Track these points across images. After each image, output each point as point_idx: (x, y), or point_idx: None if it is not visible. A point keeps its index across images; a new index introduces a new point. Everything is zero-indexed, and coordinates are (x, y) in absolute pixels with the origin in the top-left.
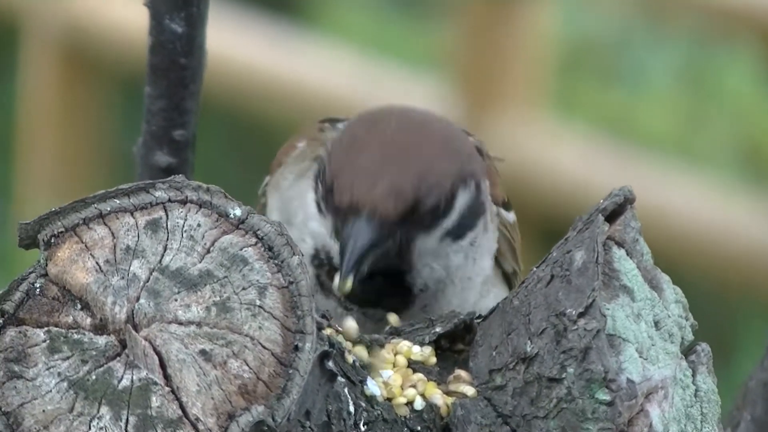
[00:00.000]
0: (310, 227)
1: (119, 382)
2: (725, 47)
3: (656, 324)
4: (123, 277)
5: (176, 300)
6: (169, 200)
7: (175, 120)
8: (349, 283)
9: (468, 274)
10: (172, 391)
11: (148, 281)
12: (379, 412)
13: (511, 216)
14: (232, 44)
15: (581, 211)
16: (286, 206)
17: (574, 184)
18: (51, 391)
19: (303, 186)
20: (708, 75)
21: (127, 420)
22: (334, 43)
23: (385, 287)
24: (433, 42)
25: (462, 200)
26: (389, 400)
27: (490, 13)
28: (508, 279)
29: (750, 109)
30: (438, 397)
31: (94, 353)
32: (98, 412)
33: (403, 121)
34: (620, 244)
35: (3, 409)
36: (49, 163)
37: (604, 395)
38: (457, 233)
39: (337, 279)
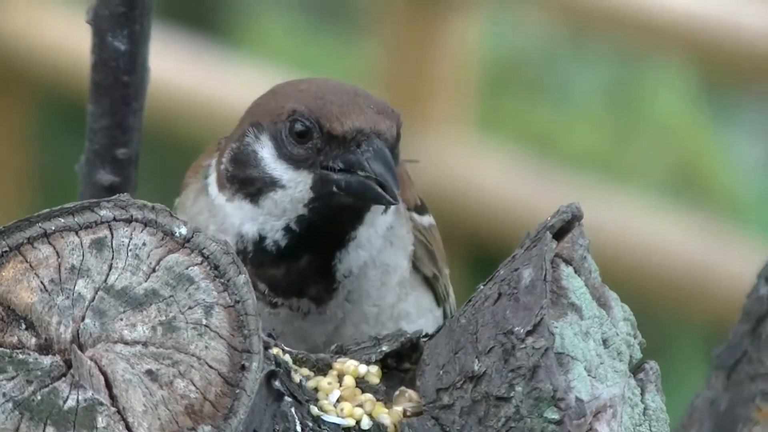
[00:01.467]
0: (228, 223)
1: (65, 402)
2: (652, 64)
3: (605, 342)
4: (68, 297)
5: (122, 319)
6: (114, 219)
7: (117, 138)
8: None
9: (387, 261)
10: (119, 412)
11: (93, 301)
12: (326, 431)
13: (425, 219)
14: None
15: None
16: (193, 223)
17: (499, 201)
18: None
19: (203, 201)
20: (635, 92)
21: None
22: (256, 60)
23: (309, 272)
24: (358, 59)
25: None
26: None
27: (415, 29)
28: (430, 284)
29: (678, 126)
30: (385, 417)
31: (39, 373)
32: None
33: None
34: (568, 262)
35: None
36: None
37: (552, 414)
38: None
39: (387, 197)
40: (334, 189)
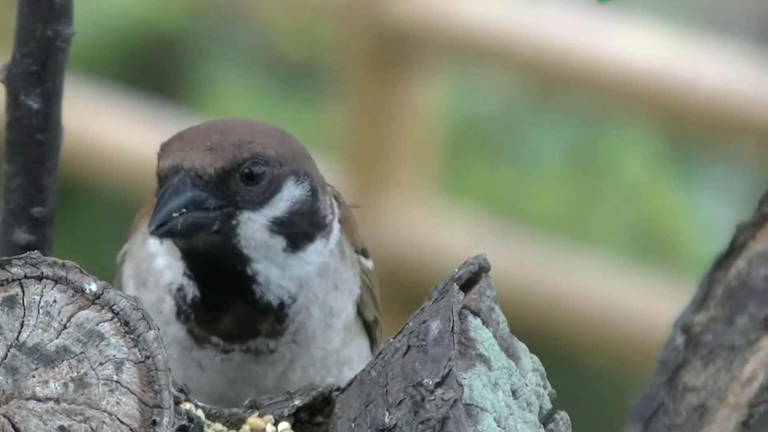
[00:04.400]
0: (163, 276)
1: None
2: (615, 125)
3: (514, 393)
4: None
5: (34, 376)
6: (26, 276)
7: (33, 197)
8: (157, 230)
9: (331, 303)
10: None
11: (5, 358)
12: None
13: (369, 264)
14: (119, 131)
15: None
16: (138, 269)
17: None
18: None
19: (148, 247)
20: (599, 153)
21: None
22: None
23: (231, 296)
24: (320, 124)
25: (292, 192)
26: None
27: (379, 93)
28: (369, 328)
29: (642, 187)
30: None
31: None
32: None
33: (231, 122)
34: (476, 313)
35: None
36: None
37: None
38: (291, 236)
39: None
40: None
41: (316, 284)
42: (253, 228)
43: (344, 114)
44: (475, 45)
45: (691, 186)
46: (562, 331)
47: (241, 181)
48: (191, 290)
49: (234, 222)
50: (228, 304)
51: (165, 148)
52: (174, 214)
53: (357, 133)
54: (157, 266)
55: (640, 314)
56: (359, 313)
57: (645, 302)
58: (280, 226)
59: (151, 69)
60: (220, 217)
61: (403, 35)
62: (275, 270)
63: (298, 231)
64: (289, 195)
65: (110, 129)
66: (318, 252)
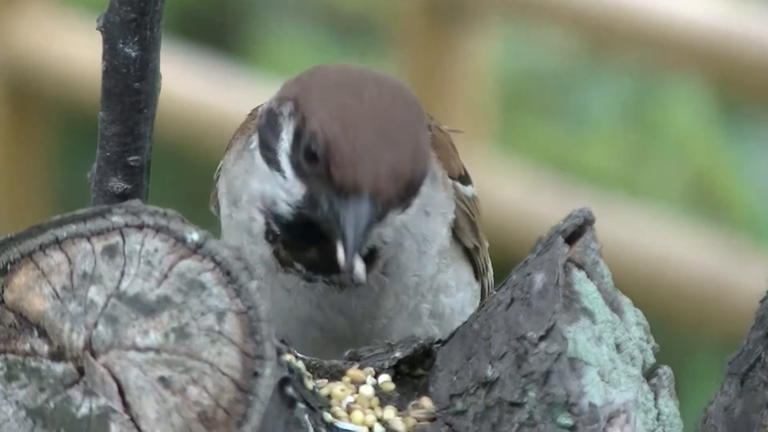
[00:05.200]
0: (257, 191)
1: (78, 410)
2: (669, 81)
3: (618, 347)
4: (80, 304)
5: (134, 326)
6: (126, 225)
7: (129, 145)
8: (358, 266)
9: (422, 230)
10: (132, 419)
11: (105, 307)
12: None
13: (469, 190)
14: (177, 82)
15: (523, 245)
16: (231, 187)
17: (516, 218)
18: (9, 420)
19: (241, 165)
20: (653, 110)
21: None
22: (273, 79)
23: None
24: None
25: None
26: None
27: (434, 47)
28: (470, 255)
29: (695, 143)
30: (398, 423)
31: (52, 381)
32: None
33: (384, 89)
34: (580, 266)
35: None
36: None
37: (566, 419)
38: None
39: (342, 261)
40: (318, 214)
41: (407, 216)
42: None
43: (399, 69)
44: (530, 1)
45: (743, 142)
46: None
47: (411, 194)
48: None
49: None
50: (315, 237)
51: (337, 153)
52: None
53: (412, 87)
54: (251, 186)
55: (691, 268)
56: (457, 239)
57: (696, 256)
58: None
59: (207, 22)
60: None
61: None
62: None
63: None
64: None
65: (167, 82)
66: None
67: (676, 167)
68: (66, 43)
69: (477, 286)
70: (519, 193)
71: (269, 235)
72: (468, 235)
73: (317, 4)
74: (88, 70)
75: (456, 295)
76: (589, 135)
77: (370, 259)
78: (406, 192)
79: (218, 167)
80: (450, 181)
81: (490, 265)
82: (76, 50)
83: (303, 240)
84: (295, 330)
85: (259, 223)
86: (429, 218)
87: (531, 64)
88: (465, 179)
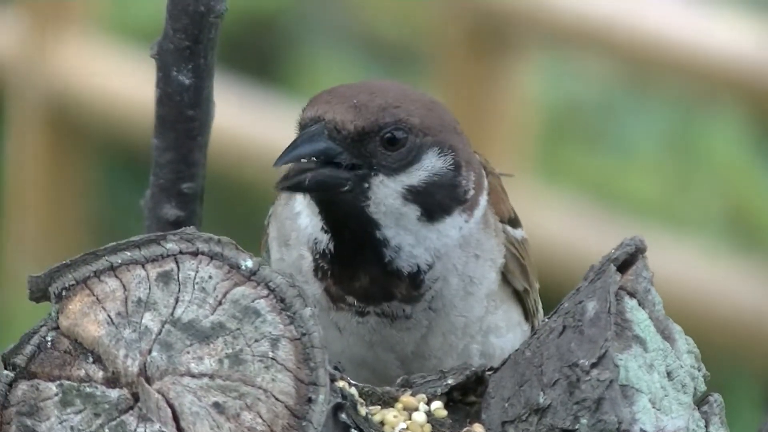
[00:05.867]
0: (305, 228)
1: None
2: (709, 111)
3: (669, 374)
4: (135, 330)
5: (189, 352)
6: (180, 252)
7: (183, 172)
8: (283, 182)
9: (469, 273)
10: None
11: (160, 334)
12: None
13: (519, 233)
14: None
15: (567, 274)
16: (281, 229)
17: (558, 248)
18: None
19: (291, 206)
20: (693, 139)
21: None
22: None
23: (363, 256)
24: None
25: (432, 163)
26: None
27: (476, 74)
28: (520, 298)
29: (735, 173)
30: None
31: (107, 406)
32: None
33: (390, 82)
34: (632, 294)
35: None
36: (35, 229)
37: None
38: (426, 207)
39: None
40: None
41: (456, 255)
42: (386, 193)
43: (441, 97)
44: (573, 31)
45: None
46: None
47: (380, 144)
48: (326, 243)
49: (366, 185)
50: (361, 263)
51: (311, 100)
52: (303, 159)
53: (454, 114)
54: (299, 223)
55: (733, 299)
56: (506, 281)
57: (738, 287)
58: (415, 194)
59: (248, 50)
60: (353, 178)
61: (501, 20)
62: (408, 237)
63: (434, 202)
64: (429, 165)
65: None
66: (457, 225)
67: (716, 196)
68: (104, 72)
69: (527, 327)
70: (560, 223)
71: (318, 272)
72: (518, 278)
73: (361, 31)
74: (129, 100)
75: (506, 335)
76: (631, 164)
77: (417, 285)
78: (369, 130)
79: (269, 213)
80: (500, 225)
81: (540, 306)
82: (111, 86)
83: (349, 263)
84: (347, 372)
85: (308, 260)
86: (478, 262)
87: (573, 94)
88: (515, 222)
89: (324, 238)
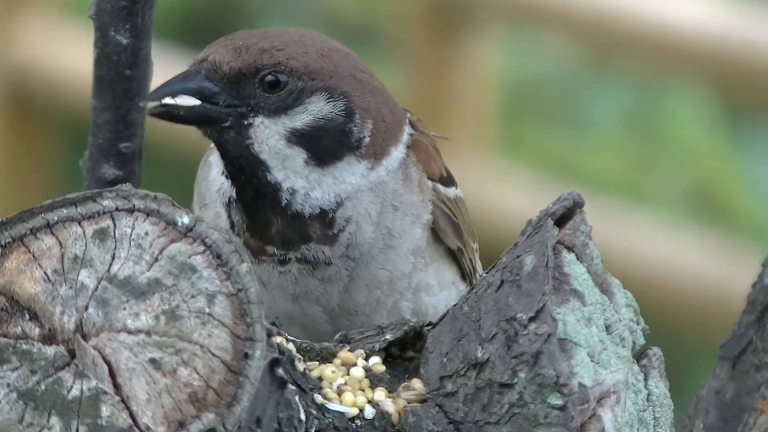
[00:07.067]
0: (214, 184)
1: (69, 392)
2: (672, 87)
3: (607, 328)
4: (71, 287)
5: (125, 309)
6: (117, 209)
7: (121, 132)
8: (153, 101)
9: (386, 224)
10: (122, 401)
11: (96, 290)
12: (330, 419)
13: (451, 191)
14: None
15: None
16: (199, 189)
17: (520, 225)
18: (0, 401)
19: (205, 168)
20: (655, 116)
21: (77, 430)
22: None
23: (264, 202)
24: None
25: (319, 107)
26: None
27: (436, 54)
28: (456, 257)
29: (698, 149)
30: (389, 405)
31: (43, 363)
32: (48, 422)
33: (298, 30)
34: (570, 248)
35: None
36: None
37: (556, 400)
38: (313, 150)
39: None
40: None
41: (367, 200)
42: (267, 134)
43: (402, 76)
44: (534, 7)
45: (747, 148)
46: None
47: (260, 86)
48: (229, 190)
49: (246, 123)
50: (263, 209)
51: (208, 44)
52: (174, 96)
53: (414, 95)
54: (210, 178)
55: (696, 274)
56: (439, 240)
57: (700, 261)
58: (299, 137)
59: (211, 29)
60: (233, 114)
61: None
62: (300, 181)
63: (321, 147)
64: (315, 109)
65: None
66: (357, 172)
67: (680, 174)
68: (66, 51)
69: (463, 286)
70: (521, 201)
71: (234, 228)
72: (450, 237)
73: (320, 10)
74: (88, 77)
75: (439, 294)
76: (593, 141)
77: (330, 224)
78: (247, 71)
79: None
80: (429, 182)
81: (479, 266)
82: (76, 57)
83: (252, 210)
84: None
85: (224, 218)
86: (397, 213)
87: (534, 71)
88: (447, 181)
89: (226, 185)
